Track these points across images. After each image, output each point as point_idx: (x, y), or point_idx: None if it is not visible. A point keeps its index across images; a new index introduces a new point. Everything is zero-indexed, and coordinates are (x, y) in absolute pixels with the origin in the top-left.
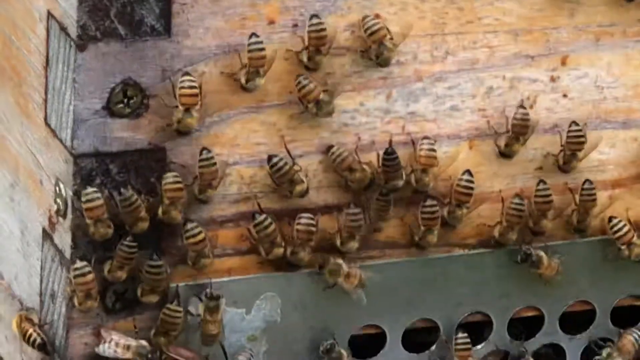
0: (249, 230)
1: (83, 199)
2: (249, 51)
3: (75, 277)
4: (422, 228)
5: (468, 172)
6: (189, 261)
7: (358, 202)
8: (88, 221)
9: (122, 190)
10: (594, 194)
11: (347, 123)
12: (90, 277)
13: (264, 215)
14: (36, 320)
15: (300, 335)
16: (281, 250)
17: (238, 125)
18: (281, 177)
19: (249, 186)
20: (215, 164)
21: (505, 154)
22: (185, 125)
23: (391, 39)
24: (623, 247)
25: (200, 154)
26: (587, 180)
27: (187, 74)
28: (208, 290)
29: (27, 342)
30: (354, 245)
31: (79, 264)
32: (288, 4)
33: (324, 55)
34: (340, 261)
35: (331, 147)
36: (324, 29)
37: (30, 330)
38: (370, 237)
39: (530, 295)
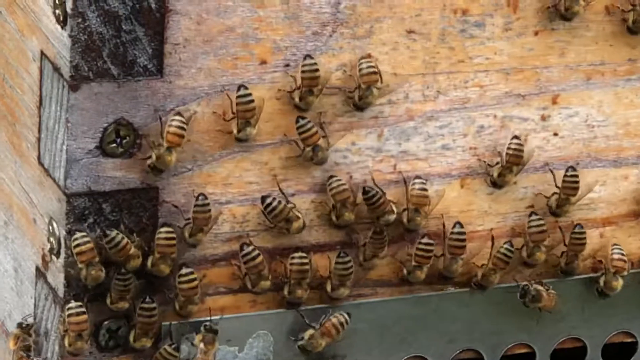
0: (237, 263)
1: (72, 243)
2: (238, 104)
3: (69, 316)
4: (413, 263)
5: (459, 224)
6: (176, 305)
7: (349, 250)
8: (80, 265)
9: (106, 231)
10: (584, 239)
11: (338, 162)
12: (83, 317)
13: (251, 247)
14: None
15: None
16: (268, 283)
17: (230, 165)
18: (276, 217)
19: (242, 225)
20: (210, 210)
21: (497, 184)
22: (163, 163)
23: (378, 87)
24: (615, 275)
25: (197, 199)
26: (578, 224)
27: (179, 114)
28: (207, 323)
29: None
30: (344, 292)
31: (73, 304)
32: (280, 44)
33: (316, 96)
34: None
35: (332, 176)
36: (317, 70)
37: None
38: (362, 276)
39: (521, 332)
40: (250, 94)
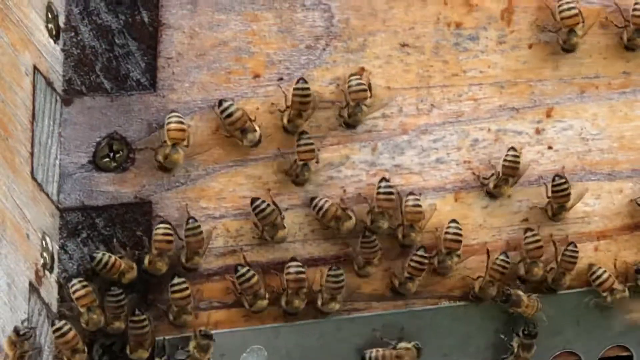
0: (233, 282)
1: (70, 290)
2: (223, 118)
3: (57, 337)
4: (406, 274)
5: (454, 220)
6: (170, 316)
7: (342, 265)
8: (81, 309)
9: (92, 254)
10: (576, 258)
11: (332, 176)
12: (71, 334)
13: (246, 268)
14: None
15: None
16: (265, 302)
17: (224, 179)
18: (264, 218)
19: (236, 239)
20: (201, 232)
21: (493, 195)
22: (172, 161)
23: (367, 104)
24: (605, 294)
25: (187, 222)
26: (572, 242)
27: (174, 111)
28: (202, 328)
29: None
30: (335, 306)
31: (58, 323)
32: (273, 58)
33: (305, 120)
34: (520, 293)
35: (313, 199)
36: (309, 95)
37: None
38: (356, 290)
39: None
40: (232, 105)
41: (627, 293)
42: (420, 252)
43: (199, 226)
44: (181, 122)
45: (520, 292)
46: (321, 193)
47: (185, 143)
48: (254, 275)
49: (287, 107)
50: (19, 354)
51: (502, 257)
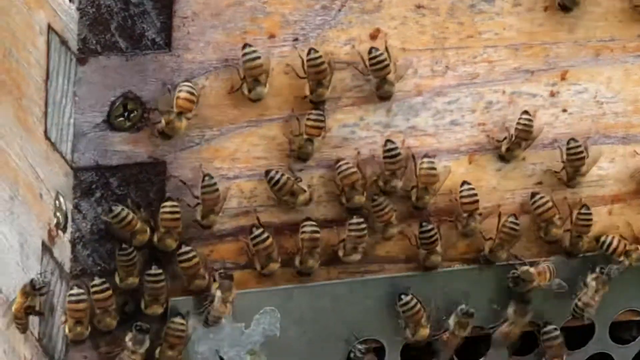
0: (247, 244)
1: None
2: (245, 61)
3: (69, 302)
4: (424, 251)
5: (466, 182)
6: (184, 282)
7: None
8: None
9: (112, 207)
10: (591, 220)
11: (346, 137)
12: (82, 305)
13: (260, 229)
14: (37, 307)
15: (299, 350)
16: (277, 265)
17: (238, 139)
18: (280, 190)
19: (249, 200)
20: (217, 189)
21: (506, 158)
22: (173, 129)
23: (393, 73)
24: (621, 258)
25: (203, 180)
26: (584, 205)
27: (187, 80)
28: (222, 270)
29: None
30: (356, 257)
31: (75, 290)
32: (289, 18)
33: (327, 88)
34: (526, 268)
35: (340, 160)
36: (322, 63)
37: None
38: (370, 252)
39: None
40: (256, 51)
41: None
42: (424, 227)
43: (215, 183)
44: (192, 93)
45: (525, 267)
46: (334, 154)
47: (190, 114)
48: (268, 237)
49: (305, 77)
50: (26, 305)
51: (511, 219)
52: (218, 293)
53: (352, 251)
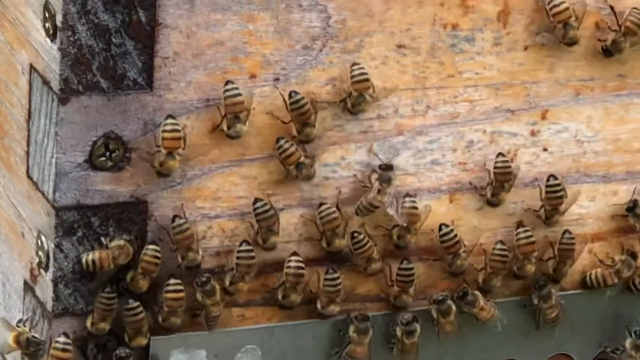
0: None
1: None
2: (226, 98)
3: (54, 349)
4: (397, 289)
5: (443, 224)
6: (159, 317)
7: (336, 267)
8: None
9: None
10: (573, 244)
11: (328, 177)
12: (69, 354)
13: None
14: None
15: None
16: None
17: (219, 179)
18: (263, 221)
19: (231, 239)
20: (188, 229)
21: (493, 203)
22: (167, 168)
23: (372, 91)
24: (615, 281)
25: (173, 221)
26: (566, 230)
27: (170, 117)
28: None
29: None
30: (335, 308)
31: (62, 338)
32: (269, 58)
33: (313, 126)
34: (478, 294)
35: (322, 204)
36: (305, 104)
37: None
38: (351, 291)
39: (510, 348)
40: (237, 88)
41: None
42: (404, 265)
43: (184, 223)
44: (176, 130)
45: (478, 294)
46: (316, 194)
47: (180, 150)
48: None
49: (291, 120)
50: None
51: (499, 246)
52: (206, 300)
53: (329, 304)
